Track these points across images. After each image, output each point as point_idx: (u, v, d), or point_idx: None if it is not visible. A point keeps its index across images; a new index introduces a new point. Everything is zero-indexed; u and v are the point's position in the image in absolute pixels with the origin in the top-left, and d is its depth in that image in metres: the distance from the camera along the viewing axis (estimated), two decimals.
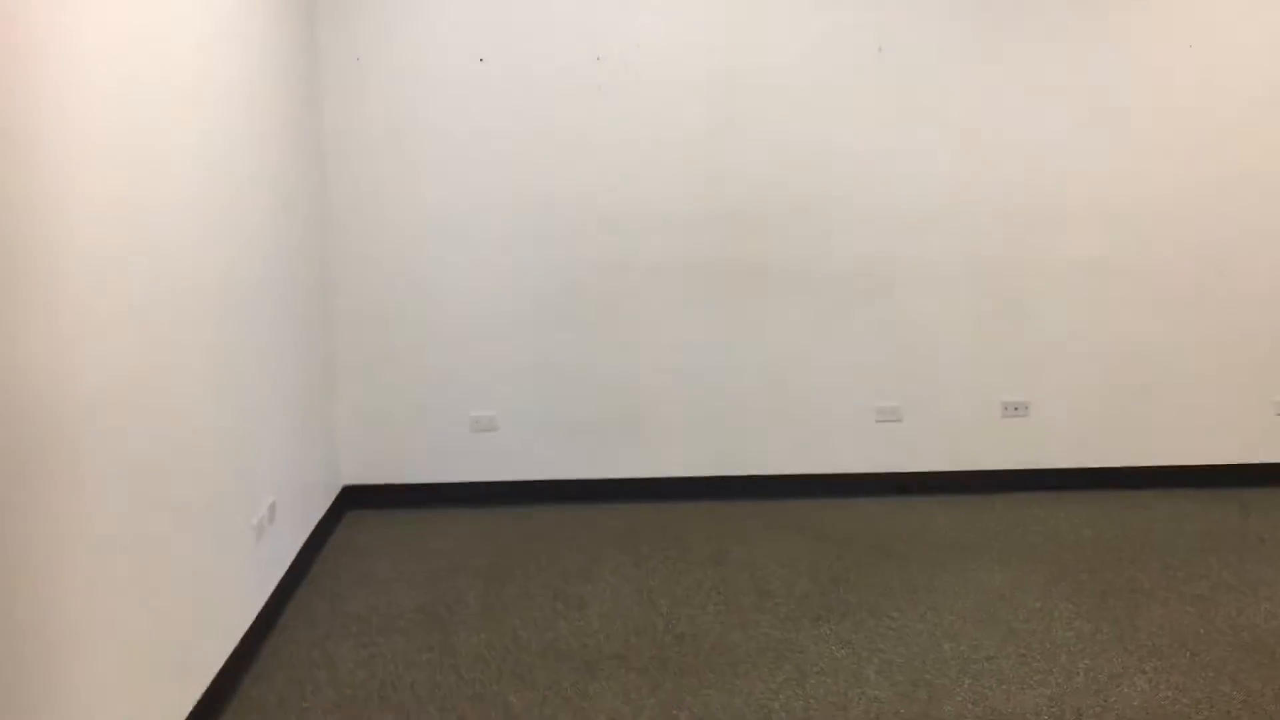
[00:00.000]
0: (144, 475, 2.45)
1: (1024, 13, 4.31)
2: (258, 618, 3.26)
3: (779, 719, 2.87)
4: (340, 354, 4.39)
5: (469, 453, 4.51)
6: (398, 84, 4.21)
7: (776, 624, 3.41)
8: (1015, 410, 4.61)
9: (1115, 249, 4.48)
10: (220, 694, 2.90)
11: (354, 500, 4.50)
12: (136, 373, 2.41)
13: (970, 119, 4.38)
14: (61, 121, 2.10)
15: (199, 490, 2.81)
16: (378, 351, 4.41)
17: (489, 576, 3.81)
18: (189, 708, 2.70)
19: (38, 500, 2.00)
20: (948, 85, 4.35)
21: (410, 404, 4.46)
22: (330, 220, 4.28)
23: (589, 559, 3.96)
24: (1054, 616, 3.44)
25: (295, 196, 3.80)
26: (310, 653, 3.26)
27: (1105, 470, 4.64)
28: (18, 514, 1.94)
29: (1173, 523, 4.25)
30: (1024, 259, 4.48)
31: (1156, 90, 4.38)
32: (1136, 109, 4.39)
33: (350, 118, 4.22)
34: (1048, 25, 4.31)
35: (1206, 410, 4.61)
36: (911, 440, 4.62)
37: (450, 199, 4.31)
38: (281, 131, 3.63)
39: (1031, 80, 4.35)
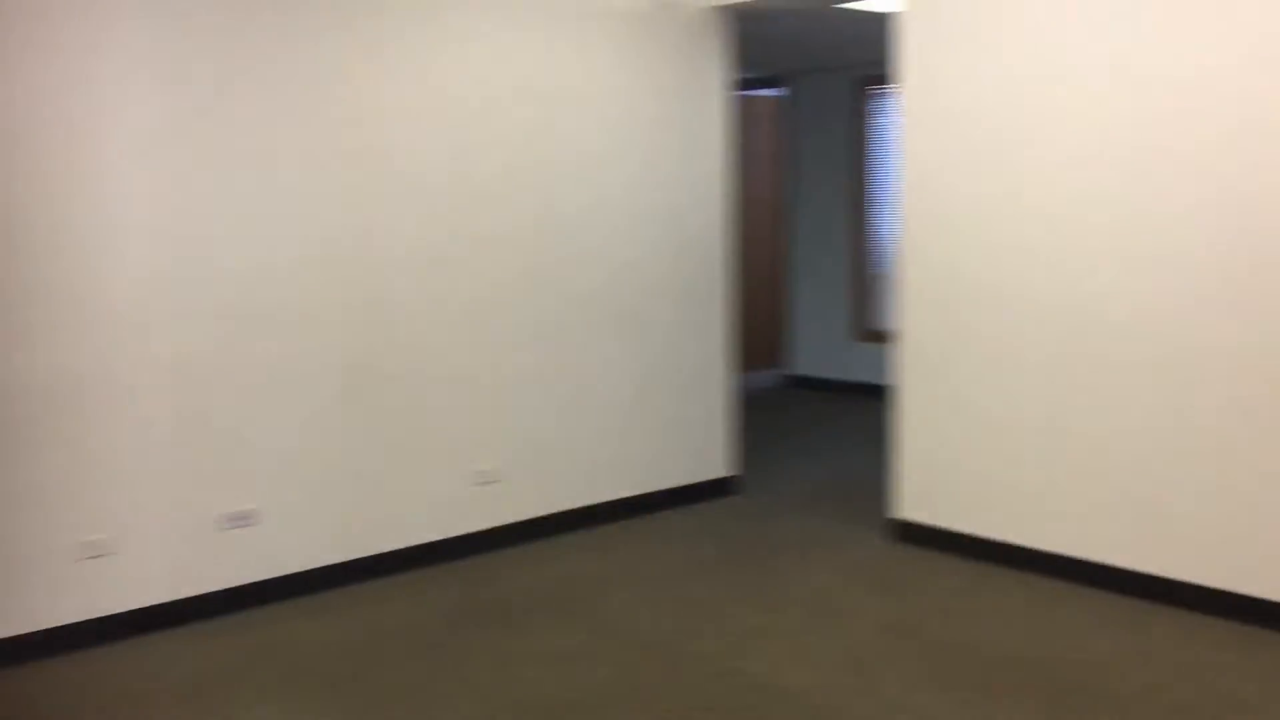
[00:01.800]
0: None
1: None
2: None
3: None
4: None
5: None
6: None
7: None
8: (240, 520, 4.15)
9: (311, 343, 4.33)
10: None
11: None
12: None
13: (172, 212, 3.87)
14: None
15: None
16: None
17: None
18: None
19: None
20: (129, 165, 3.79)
21: None
22: None
23: None
24: None
25: None
26: None
27: (338, 566, 4.43)
28: None
29: (419, 607, 4.19)
30: (227, 355, 4.07)
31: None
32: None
33: None
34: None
35: (419, 488, 4.65)
36: (126, 572, 3.88)
37: None
38: None
39: (213, 183, 4.01)
